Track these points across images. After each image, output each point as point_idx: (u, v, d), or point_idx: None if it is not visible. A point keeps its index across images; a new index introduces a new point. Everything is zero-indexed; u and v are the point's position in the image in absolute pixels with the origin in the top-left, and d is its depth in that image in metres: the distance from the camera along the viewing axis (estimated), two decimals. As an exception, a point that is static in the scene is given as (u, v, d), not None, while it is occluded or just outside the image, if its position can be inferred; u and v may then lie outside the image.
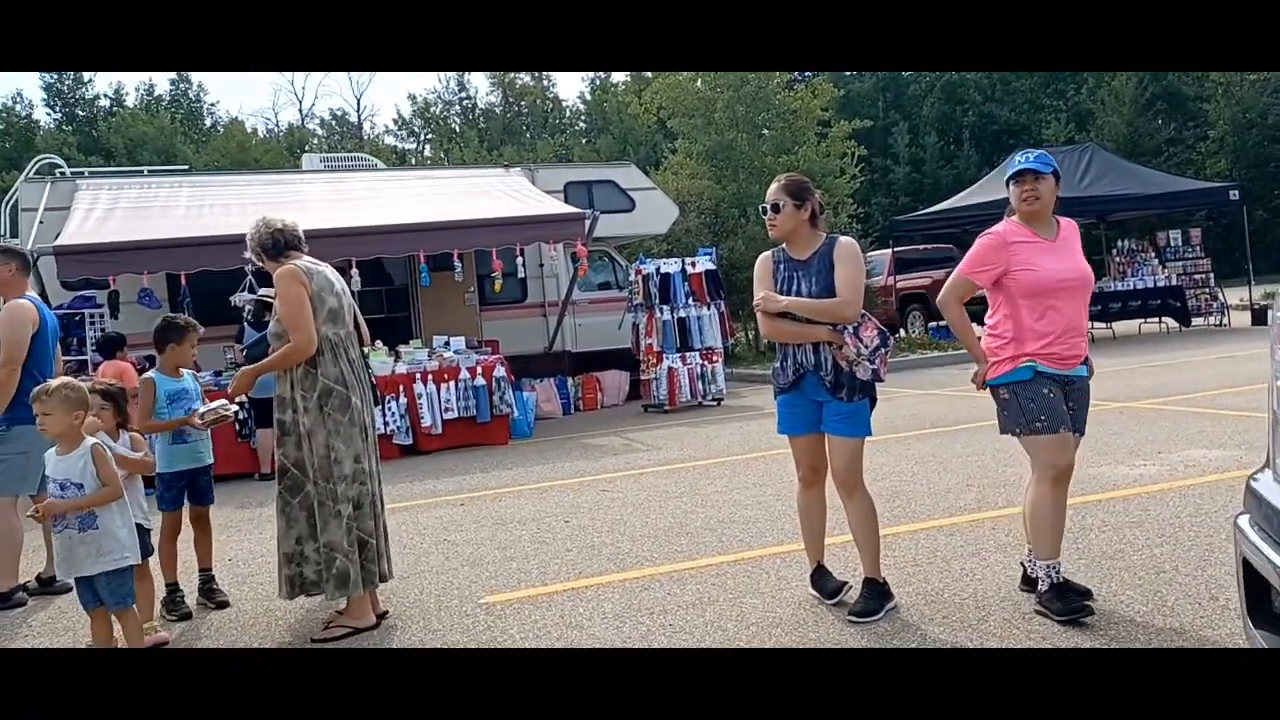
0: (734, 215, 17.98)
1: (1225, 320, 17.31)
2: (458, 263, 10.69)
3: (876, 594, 3.99)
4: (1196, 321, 17.20)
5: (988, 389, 3.95)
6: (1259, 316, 16.90)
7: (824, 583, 4.20)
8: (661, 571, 4.86)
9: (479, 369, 10.28)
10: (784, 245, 4.12)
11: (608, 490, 7.11)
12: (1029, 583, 3.98)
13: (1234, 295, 18.33)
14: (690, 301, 11.99)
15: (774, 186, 4.08)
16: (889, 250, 19.19)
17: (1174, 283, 17.12)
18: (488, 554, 5.55)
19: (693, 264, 12.23)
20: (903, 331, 17.76)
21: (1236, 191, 18.09)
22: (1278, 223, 34.53)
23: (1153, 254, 17.73)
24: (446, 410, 10.08)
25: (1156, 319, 17.30)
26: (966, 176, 36.61)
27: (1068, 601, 3.68)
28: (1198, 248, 18.10)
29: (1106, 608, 3.78)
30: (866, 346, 3.86)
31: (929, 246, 20.38)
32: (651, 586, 4.63)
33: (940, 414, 9.44)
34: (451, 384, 10.14)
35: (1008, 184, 3.90)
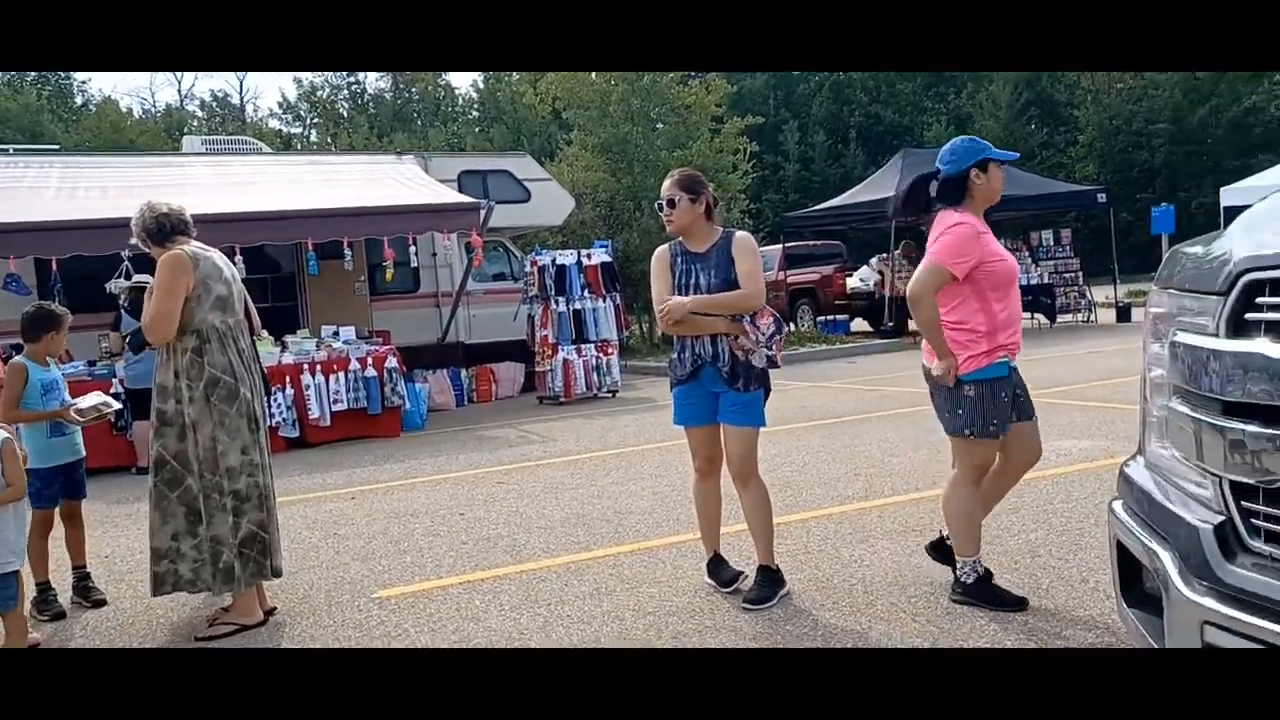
0: (629, 208, 18.04)
1: (1093, 317, 18.21)
2: (347, 251, 10.44)
3: (770, 581, 4.08)
4: (1065, 318, 18.03)
5: (931, 380, 3.87)
6: (1124, 314, 17.85)
7: (721, 571, 4.27)
8: (558, 563, 4.86)
9: (369, 360, 10.08)
10: (681, 239, 4.16)
11: (503, 482, 7.07)
12: (938, 550, 4.06)
13: (1100, 293, 19.28)
14: (586, 293, 11.98)
15: (669, 182, 4.11)
16: (780, 246, 19.55)
17: (1046, 280, 17.93)
18: (380, 548, 5.45)
19: (588, 256, 12.23)
20: (792, 325, 18.11)
21: (1104, 194, 19.07)
22: (1141, 225, 36.33)
23: (1026, 253, 18.51)
24: (335, 402, 9.85)
25: (1029, 315, 18.08)
26: (854, 175, 37.53)
27: (996, 598, 3.79)
28: (1068, 247, 18.96)
29: (987, 591, 3.95)
30: (763, 334, 3.94)
31: (818, 242, 20.83)
32: (548, 578, 4.63)
33: (828, 406, 9.68)
34: (341, 375, 9.90)
35: (978, 170, 3.70)
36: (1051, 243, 19.00)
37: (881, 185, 17.88)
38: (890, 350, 15.50)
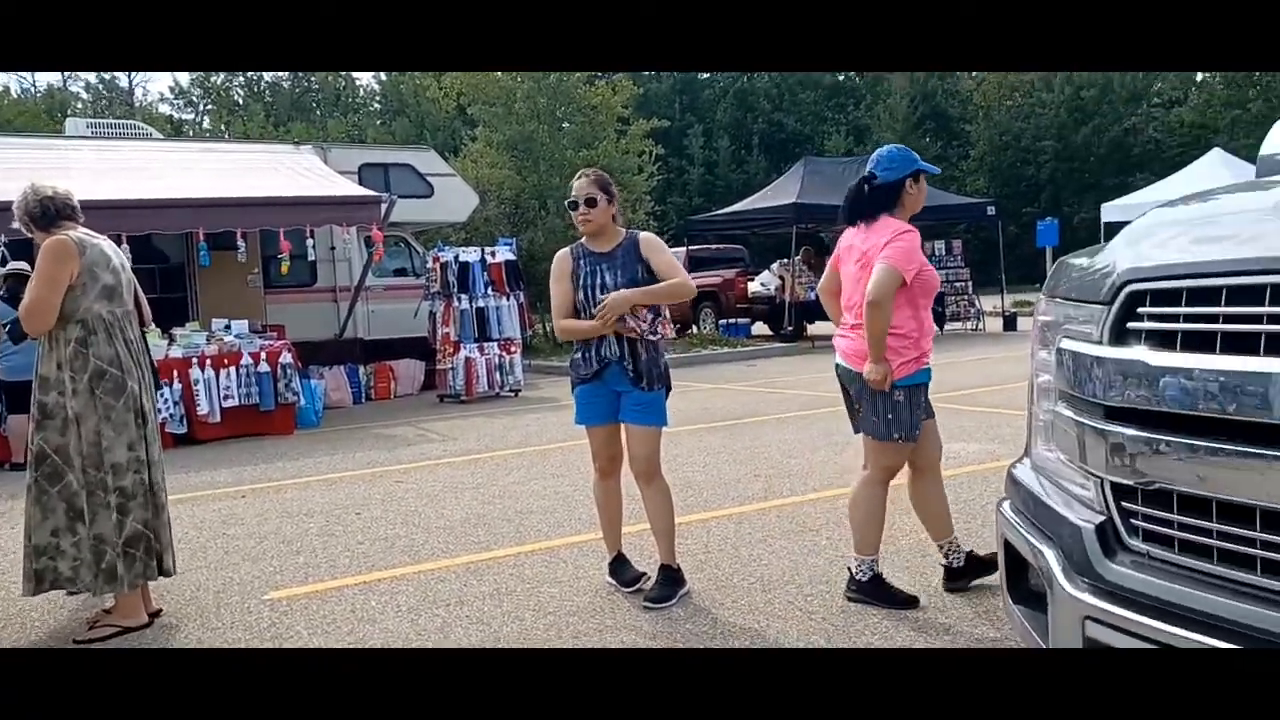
0: (534, 206, 17.97)
1: (981, 325, 18.88)
2: (241, 242, 10.13)
3: (671, 580, 4.11)
4: (954, 326, 18.65)
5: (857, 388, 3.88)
6: (1010, 323, 18.55)
7: (623, 571, 4.29)
8: (458, 563, 4.81)
9: (262, 355, 9.80)
10: (584, 240, 4.16)
11: (401, 482, 6.96)
12: (954, 577, 4.01)
13: (988, 303, 20.00)
14: (489, 291, 11.88)
15: (584, 181, 4.08)
16: (684, 248, 19.71)
17: (938, 289, 18.49)
18: (271, 548, 5.31)
19: (492, 253, 12.13)
20: (695, 328, 18.29)
21: (994, 207, 19.79)
22: (1026, 237, 37.85)
23: (921, 262, 19.08)
24: (226, 398, 9.55)
25: (923, 322, 18.67)
26: (756, 181, 38.08)
27: (889, 597, 3.89)
28: (959, 257, 19.63)
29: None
30: (645, 321, 3.98)
31: (721, 246, 21.10)
32: (448, 578, 4.57)
33: (729, 408, 9.81)
34: (232, 370, 9.61)
35: (912, 179, 3.79)
36: (943, 252, 19.63)
37: (783, 191, 18.21)
38: (789, 354, 15.79)
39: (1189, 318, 1.59)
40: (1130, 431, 1.66)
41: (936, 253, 19.46)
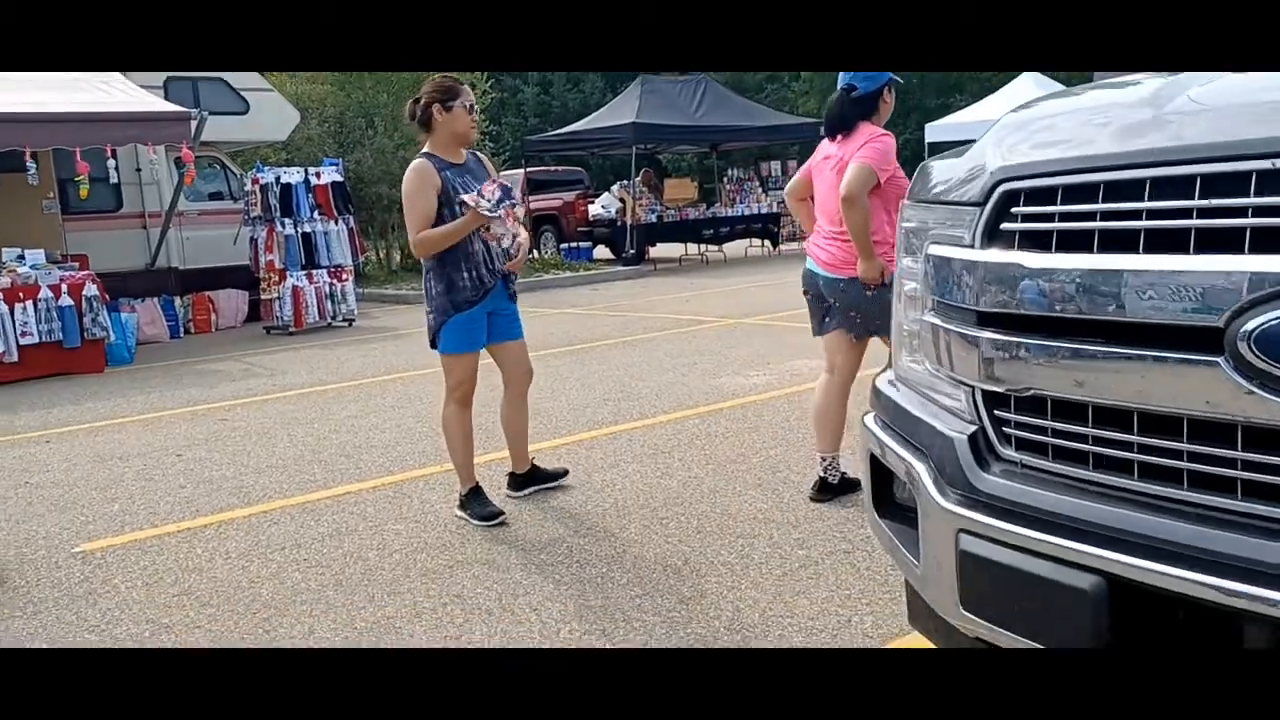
0: (361, 125, 17.08)
1: (816, 245, 19.30)
2: (31, 163, 9.17)
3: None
4: (791, 246, 19.00)
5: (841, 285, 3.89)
6: (842, 242, 19.02)
7: (483, 503, 4.13)
8: (293, 503, 4.52)
9: (64, 287, 8.97)
10: (434, 152, 4.00)
11: (227, 419, 6.52)
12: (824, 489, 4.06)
13: (823, 222, 20.44)
14: (316, 215, 11.24)
15: (468, 89, 4.02)
16: (521, 170, 19.24)
17: (774, 210, 18.78)
18: (82, 496, 4.86)
19: (317, 175, 11.45)
20: (536, 253, 17.98)
21: (826, 128, 20.11)
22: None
23: (758, 183, 19.31)
24: (24, 335, 8.72)
25: (760, 241, 18.95)
26: (592, 102, 37.51)
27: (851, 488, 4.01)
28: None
29: (733, 507, 4.04)
30: (490, 200, 3.83)
31: (559, 168, 20.71)
32: (281, 520, 4.29)
33: (574, 332, 9.66)
34: (29, 304, 8.76)
35: (886, 90, 3.85)
36: (780, 174, 19.92)
37: (621, 112, 17.92)
38: (632, 277, 15.73)
39: (1065, 216, 1.52)
40: (1004, 338, 1.60)
41: (774, 174, 19.73)
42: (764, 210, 18.54)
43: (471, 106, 4.02)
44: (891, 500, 2.05)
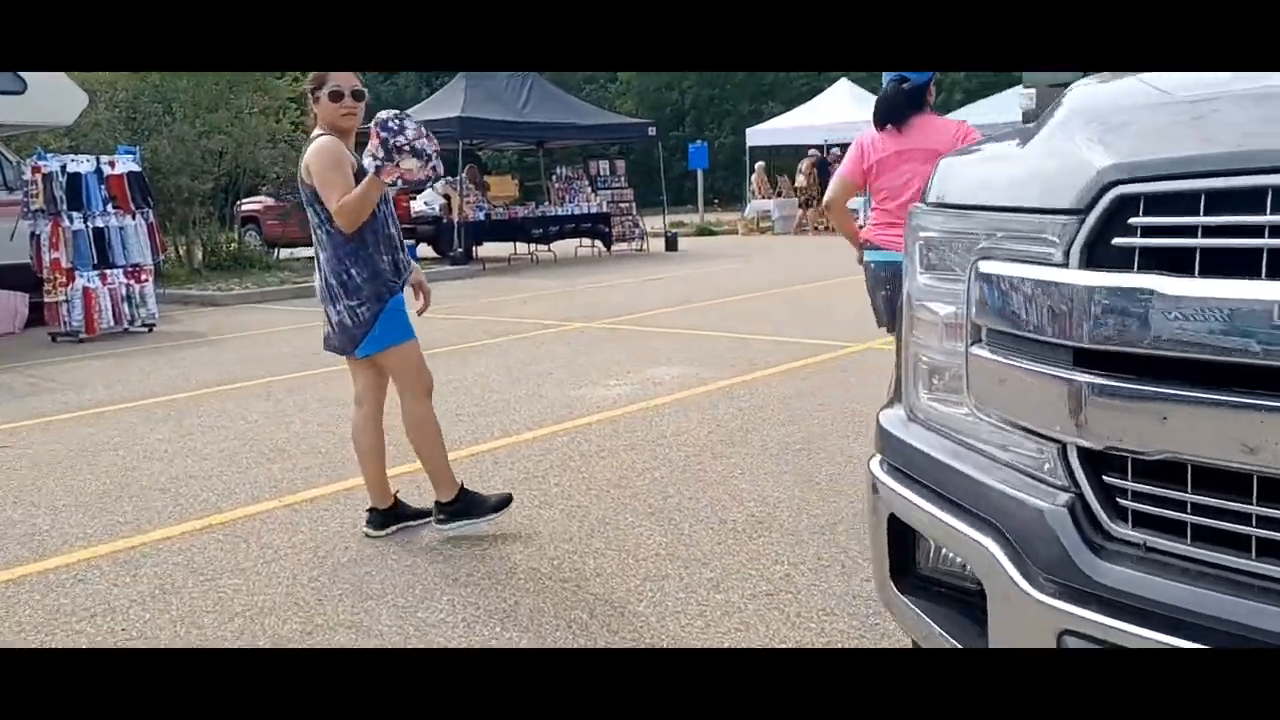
0: (158, 111, 15.59)
1: (645, 246, 19.15)
2: None
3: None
4: (620, 247, 18.78)
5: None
6: (671, 243, 18.95)
7: (483, 500, 3.80)
8: (101, 554, 3.78)
9: None
10: (333, 135, 3.58)
11: (9, 446, 5.56)
12: None
13: (649, 224, 20.29)
14: (110, 209, 10.04)
15: (350, 74, 3.58)
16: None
17: (604, 209, 18.48)
18: None
19: (111, 164, 10.24)
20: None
21: (654, 128, 20.02)
22: (677, 160, 39.51)
23: (586, 182, 18.95)
24: None
25: (590, 242, 18.60)
26: (408, 95, 36.26)
27: None
28: (622, 178, 19.73)
29: (630, 542, 3.63)
30: (374, 153, 3.38)
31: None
32: (88, 577, 3.55)
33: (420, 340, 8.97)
34: None
35: (933, 82, 4.10)
36: (608, 173, 19.64)
37: (445, 105, 17.18)
38: (462, 277, 15.06)
39: (1214, 230, 1.19)
40: (1123, 385, 1.26)
41: (602, 173, 19.43)
42: (594, 210, 18.22)
43: (342, 94, 3.55)
44: (914, 571, 1.69)
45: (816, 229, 21.90)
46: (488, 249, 17.46)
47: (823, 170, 21.64)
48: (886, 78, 4.04)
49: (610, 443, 5.03)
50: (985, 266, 1.48)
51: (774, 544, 3.55)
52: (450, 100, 17.32)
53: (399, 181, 3.42)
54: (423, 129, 3.43)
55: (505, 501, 3.80)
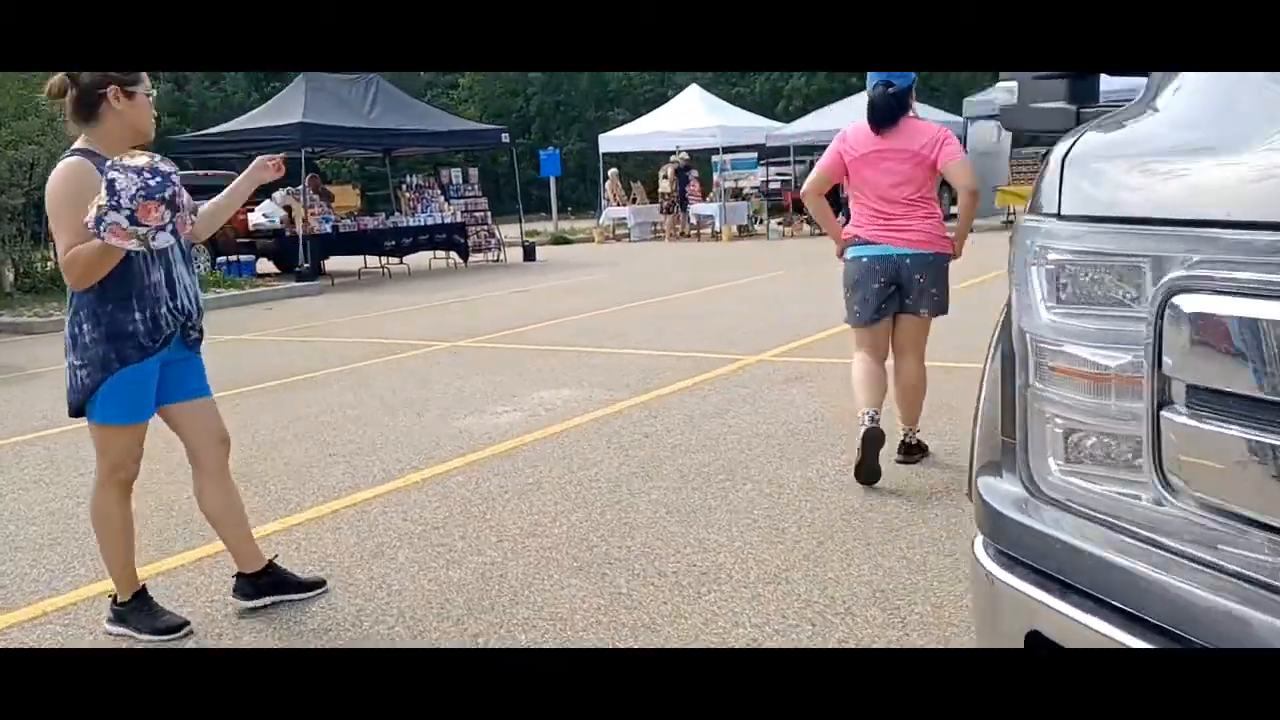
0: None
1: (502, 256, 18.53)
2: None
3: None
4: (477, 258, 18.11)
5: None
6: (530, 253, 18.41)
7: (153, 616, 3.09)
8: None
9: None
10: (102, 149, 2.90)
11: None
12: (907, 450, 4.41)
13: (506, 232, 19.69)
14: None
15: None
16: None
17: (458, 219, 17.77)
18: None
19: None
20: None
21: (507, 134, 19.42)
22: (525, 167, 38.98)
23: (439, 191, 18.19)
24: None
25: (445, 253, 17.84)
26: (235, 100, 34.40)
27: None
28: (475, 186, 19.06)
29: (561, 608, 3.13)
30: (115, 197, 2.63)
31: (208, 173, 18.27)
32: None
33: (264, 365, 8.16)
34: None
35: (915, 86, 4.26)
36: (460, 182, 18.94)
37: (284, 110, 16.12)
38: (310, 294, 14.10)
39: None
40: None
41: (455, 182, 18.71)
42: (448, 220, 17.49)
43: (150, 92, 3.00)
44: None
45: (673, 235, 21.81)
46: (335, 263, 16.50)
47: (682, 179, 21.56)
48: (871, 81, 4.15)
49: (513, 482, 4.51)
50: (1188, 303, 1.09)
51: (726, 599, 3.13)
52: (290, 105, 16.27)
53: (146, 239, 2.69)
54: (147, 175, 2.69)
55: (176, 626, 3.05)
